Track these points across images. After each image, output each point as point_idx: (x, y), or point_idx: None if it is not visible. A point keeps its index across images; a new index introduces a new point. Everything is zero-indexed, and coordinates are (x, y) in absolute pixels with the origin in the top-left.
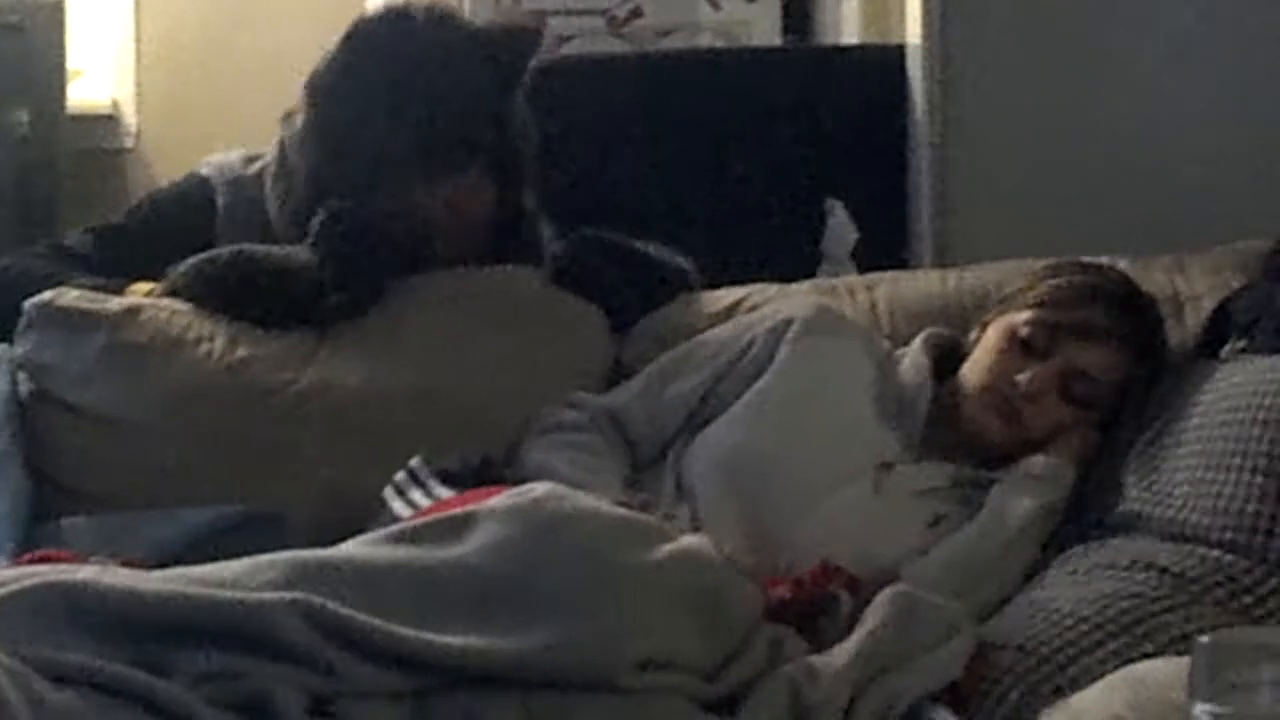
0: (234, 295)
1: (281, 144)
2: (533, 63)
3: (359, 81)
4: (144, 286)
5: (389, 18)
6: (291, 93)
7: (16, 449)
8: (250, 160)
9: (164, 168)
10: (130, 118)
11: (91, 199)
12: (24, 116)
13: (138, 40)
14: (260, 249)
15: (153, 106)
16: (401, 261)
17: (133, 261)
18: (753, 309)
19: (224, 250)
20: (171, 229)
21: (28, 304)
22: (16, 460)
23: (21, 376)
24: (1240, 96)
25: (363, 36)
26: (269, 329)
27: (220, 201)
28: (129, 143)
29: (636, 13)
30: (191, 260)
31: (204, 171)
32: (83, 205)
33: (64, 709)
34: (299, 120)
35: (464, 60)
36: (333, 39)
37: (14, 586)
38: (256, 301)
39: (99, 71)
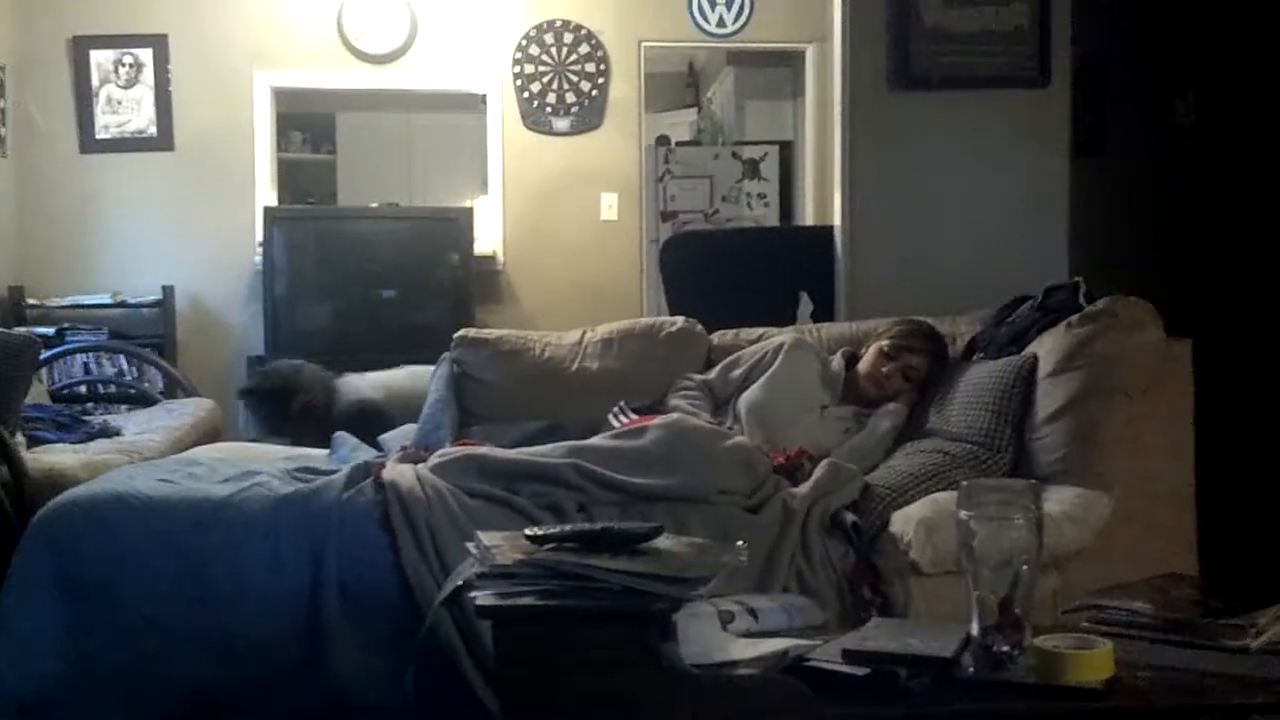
0: None
1: None
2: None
3: None
4: None
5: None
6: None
7: (453, 398)
8: None
9: (517, 282)
10: (500, 256)
11: (485, 298)
12: (455, 259)
13: (504, 219)
14: None
15: (511, 251)
16: None
17: None
18: (768, 338)
19: None
20: None
21: (457, 335)
22: (453, 402)
23: (455, 367)
24: (990, 239)
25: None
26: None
27: None
28: (500, 268)
29: (716, 212)
30: None
31: None
32: (480, 301)
33: (472, 508)
34: None
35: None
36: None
37: (453, 455)
38: None
39: (488, 234)
